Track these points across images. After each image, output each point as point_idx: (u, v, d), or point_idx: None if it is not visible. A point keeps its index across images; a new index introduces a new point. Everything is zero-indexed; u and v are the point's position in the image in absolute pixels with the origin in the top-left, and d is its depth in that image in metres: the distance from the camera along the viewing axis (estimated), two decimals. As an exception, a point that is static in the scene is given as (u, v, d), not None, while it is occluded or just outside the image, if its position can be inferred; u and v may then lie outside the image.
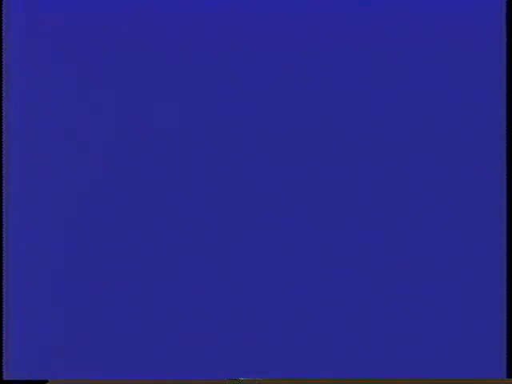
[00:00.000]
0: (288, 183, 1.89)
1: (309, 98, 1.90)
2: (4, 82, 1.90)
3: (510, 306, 1.89)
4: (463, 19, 1.91)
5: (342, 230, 1.89)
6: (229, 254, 1.89)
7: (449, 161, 1.90)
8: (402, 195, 1.89)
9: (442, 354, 1.89)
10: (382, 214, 1.89)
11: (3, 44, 1.90)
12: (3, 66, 1.89)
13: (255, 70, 1.90)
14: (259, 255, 1.89)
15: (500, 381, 1.88)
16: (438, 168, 1.90)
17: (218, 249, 1.89)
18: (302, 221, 1.89)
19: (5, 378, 1.88)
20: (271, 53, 1.91)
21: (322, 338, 1.89)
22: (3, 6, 1.90)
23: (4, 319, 1.88)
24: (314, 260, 1.89)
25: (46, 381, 1.90)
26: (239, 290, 1.89)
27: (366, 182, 1.89)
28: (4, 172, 1.89)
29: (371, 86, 1.90)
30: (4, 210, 1.89)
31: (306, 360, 1.89)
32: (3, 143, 1.89)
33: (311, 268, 1.89)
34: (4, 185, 1.89)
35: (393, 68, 1.90)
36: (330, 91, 1.90)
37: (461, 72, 1.91)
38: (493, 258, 1.90)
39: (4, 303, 1.88)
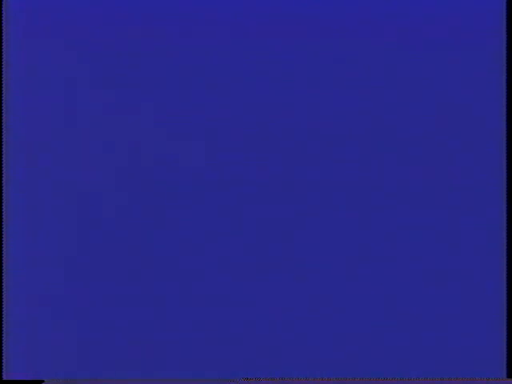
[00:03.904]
0: (288, 183, 1.89)
1: (306, 98, 1.90)
2: (4, 82, 1.89)
3: (510, 306, 1.89)
4: (463, 19, 1.91)
5: (342, 230, 1.89)
6: (228, 254, 1.89)
7: (448, 161, 1.90)
8: (402, 195, 1.90)
9: (442, 353, 1.89)
10: (381, 214, 1.89)
11: (3, 44, 1.90)
12: (3, 66, 1.89)
13: (255, 70, 1.90)
14: (258, 255, 1.89)
15: (500, 381, 1.88)
16: (437, 168, 1.90)
17: (217, 249, 1.89)
18: (302, 220, 1.89)
19: (5, 378, 1.88)
20: (269, 53, 1.91)
21: (321, 338, 1.89)
22: (3, 6, 1.90)
23: (4, 319, 1.88)
24: (313, 259, 1.89)
25: (43, 380, 1.90)
26: (239, 290, 1.89)
27: (364, 182, 1.89)
28: (4, 172, 1.89)
29: (370, 86, 1.90)
30: (4, 210, 1.89)
31: (306, 360, 1.89)
32: (3, 143, 1.89)
33: (310, 267, 1.89)
34: (4, 185, 1.89)
35: (392, 68, 1.90)
36: (329, 91, 1.90)
37: (460, 72, 1.91)
38: (493, 258, 1.90)
39: (4, 303, 1.88)
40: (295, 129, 1.90)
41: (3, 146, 1.89)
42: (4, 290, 1.88)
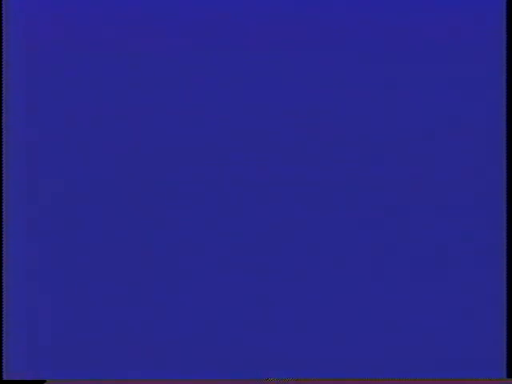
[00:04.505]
0: (288, 183, 1.89)
1: (307, 99, 1.90)
2: (4, 82, 1.89)
3: (510, 305, 1.89)
4: (463, 19, 1.91)
5: (343, 229, 1.89)
6: (228, 254, 1.89)
7: (449, 161, 1.90)
8: (402, 194, 1.90)
9: (442, 353, 1.89)
10: (381, 214, 1.89)
11: (3, 44, 1.90)
12: (3, 66, 1.89)
13: (255, 70, 1.90)
14: (258, 255, 1.89)
15: (500, 381, 1.88)
16: (438, 168, 1.90)
17: (217, 249, 1.89)
18: (302, 220, 1.89)
19: (5, 378, 1.88)
20: (269, 53, 1.91)
21: (321, 338, 1.89)
22: (3, 6, 1.90)
23: (4, 319, 1.88)
24: (312, 259, 1.89)
25: (45, 381, 1.90)
26: (239, 290, 1.89)
27: (365, 182, 1.89)
28: (4, 172, 1.89)
29: (370, 86, 1.90)
30: (4, 210, 1.89)
31: (306, 360, 1.89)
32: (3, 143, 1.89)
33: (311, 267, 1.89)
34: (4, 185, 1.89)
35: (392, 68, 1.90)
36: (330, 92, 1.90)
37: (460, 72, 1.91)
38: (493, 258, 1.90)
39: (4, 303, 1.88)
40: (295, 129, 1.90)
41: (3, 146, 1.89)
42: (4, 290, 1.88)
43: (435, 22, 1.90)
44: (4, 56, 1.89)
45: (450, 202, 1.90)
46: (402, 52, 1.90)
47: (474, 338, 1.89)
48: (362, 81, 1.90)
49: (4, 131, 1.89)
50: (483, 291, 1.89)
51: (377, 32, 1.90)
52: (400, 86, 1.90)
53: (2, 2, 1.90)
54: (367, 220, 1.89)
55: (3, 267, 1.88)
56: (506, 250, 1.89)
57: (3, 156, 1.89)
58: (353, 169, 1.89)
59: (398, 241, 1.89)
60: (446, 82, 1.90)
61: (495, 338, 1.89)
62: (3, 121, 1.89)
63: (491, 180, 1.90)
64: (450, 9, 1.91)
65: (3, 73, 1.89)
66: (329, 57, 1.90)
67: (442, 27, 1.91)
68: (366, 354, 1.89)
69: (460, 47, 1.91)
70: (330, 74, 1.90)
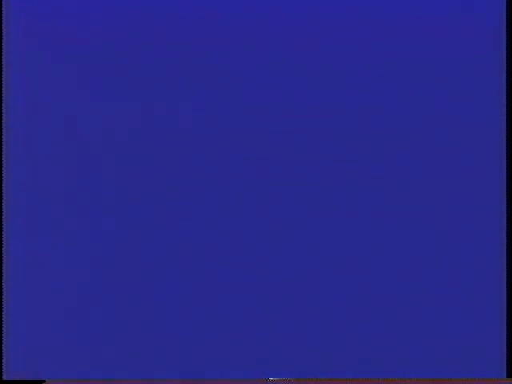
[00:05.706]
0: (288, 183, 1.89)
1: (307, 99, 1.90)
2: (4, 82, 1.90)
3: (510, 305, 1.89)
4: (463, 19, 1.91)
5: (343, 229, 1.89)
6: (228, 254, 1.89)
7: (448, 161, 1.90)
8: (402, 194, 1.90)
9: (442, 353, 1.89)
10: (381, 215, 1.89)
11: (3, 44, 1.90)
12: (3, 66, 1.89)
13: (255, 70, 1.90)
14: (258, 255, 1.89)
15: (500, 381, 1.88)
16: (437, 168, 1.90)
17: (217, 249, 1.89)
18: (303, 220, 1.89)
19: (5, 377, 1.88)
20: (269, 53, 1.91)
21: (321, 338, 1.89)
22: (3, 6, 1.90)
23: (4, 319, 1.88)
24: (312, 260, 1.89)
25: (44, 381, 1.90)
26: (238, 290, 1.89)
27: (365, 182, 1.89)
28: (4, 172, 1.89)
29: (370, 87, 1.90)
30: (4, 210, 1.89)
31: (306, 360, 1.89)
32: (3, 143, 1.89)
33: (310, 267, 1.89)
34: (4, 185, 1.89)
35: (392, 68, 1.90)
36: (330, 91, 1.90)
37: (460, 72, 1.91)
38: (493, 258, 1.90)
39: (4, 303, 1.88)
40: (295, 129, 1.90)
41: (3, 146, 1.89)
42: (4, 289, 1.88)
43: (435, 22, 1.91)
44: (4, 56, 1.89)
45: (450, 201, 1.90)
46: (401, 52, 1.90)
47: (474, 337, 1.89)
48: (361, 81, 1.90)
49: (4, 131, 1.89)
50: (483, 291, 1.89)
51: (377, 32, 1.90)
52: (400, 85, 1.90)
53: (2, 2, 1.90)
54: (367, 220, 1.89)
55: (3, 267, 1.88)
56: (506, 249, 1.89)
57: (3, 156, 1.89)
58: (353, 169, 1.89)
59: (397, 241, 1.89)
60: (445, 82, 1.90)
61: (495, 338, 1.89)
62: (3, 121, 1.89)
63: (491, 180, 1.90)
64: (450, 9, 1.91)
65: (3, 73, 1.89)
66: (328, 57, 1.90)
67: (442, 27, 1.91)
68: (366, 353, 1.89)
69: (460, 47, 1.91)
70: (330, 74, 1.90)
